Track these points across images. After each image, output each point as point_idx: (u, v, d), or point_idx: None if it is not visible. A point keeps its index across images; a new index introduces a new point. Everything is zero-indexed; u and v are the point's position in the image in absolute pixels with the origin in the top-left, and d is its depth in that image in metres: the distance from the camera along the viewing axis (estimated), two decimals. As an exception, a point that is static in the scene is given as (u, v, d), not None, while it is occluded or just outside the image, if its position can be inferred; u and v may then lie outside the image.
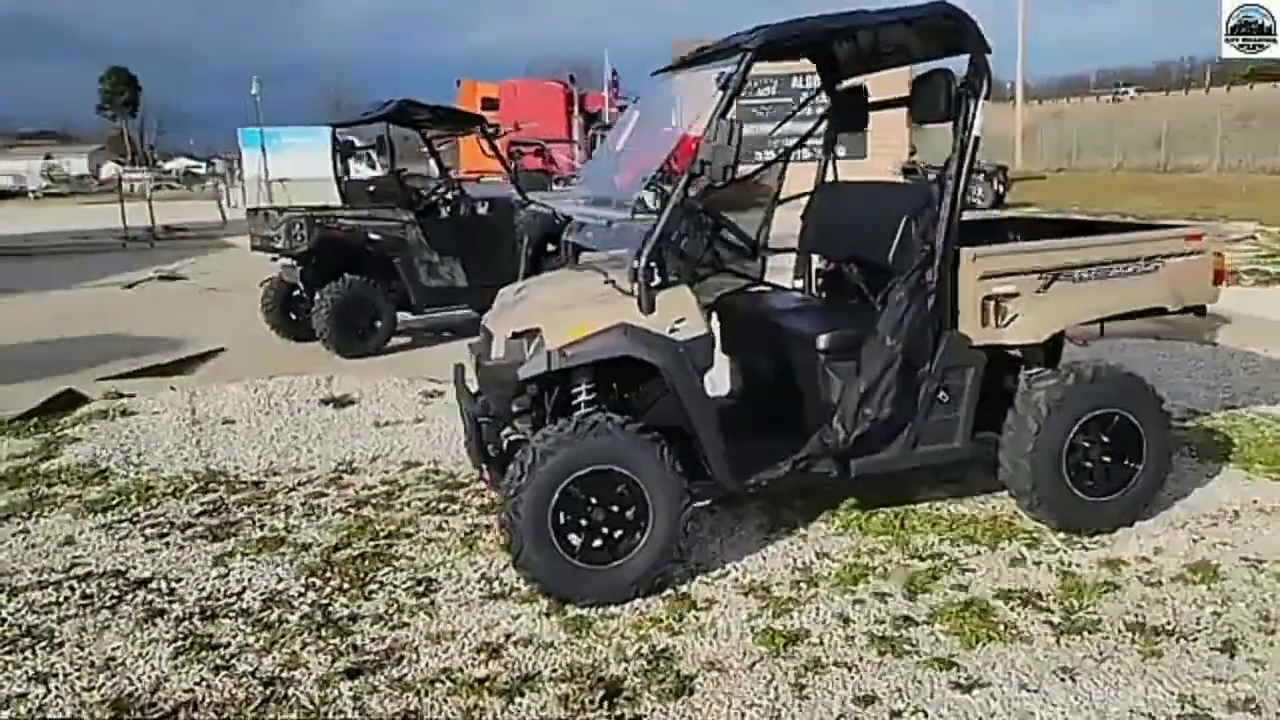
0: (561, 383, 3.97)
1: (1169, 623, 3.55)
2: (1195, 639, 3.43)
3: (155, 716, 3.15)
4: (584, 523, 3.71)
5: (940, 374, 4.06)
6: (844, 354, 4.06)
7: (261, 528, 4.69)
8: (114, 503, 5.05)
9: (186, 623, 3.76)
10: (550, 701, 3.17)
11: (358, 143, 10.41)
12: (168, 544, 4.53)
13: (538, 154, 23.05)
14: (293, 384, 6.99)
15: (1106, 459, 4.24)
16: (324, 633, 3.65)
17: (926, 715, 3.05)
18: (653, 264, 3.75)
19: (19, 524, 4.84)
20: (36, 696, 3.29)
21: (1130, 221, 5.40)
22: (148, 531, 4.68)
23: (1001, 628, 3.53)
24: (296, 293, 9.20)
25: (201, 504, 5.03)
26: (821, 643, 3.49)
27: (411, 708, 3.15)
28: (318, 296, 8.49)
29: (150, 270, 15.14)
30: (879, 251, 4.09)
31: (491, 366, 3.97)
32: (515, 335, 3.90)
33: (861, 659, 3.37)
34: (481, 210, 9.73)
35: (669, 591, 3.86)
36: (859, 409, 3.97)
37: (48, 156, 73.02)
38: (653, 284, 3.75)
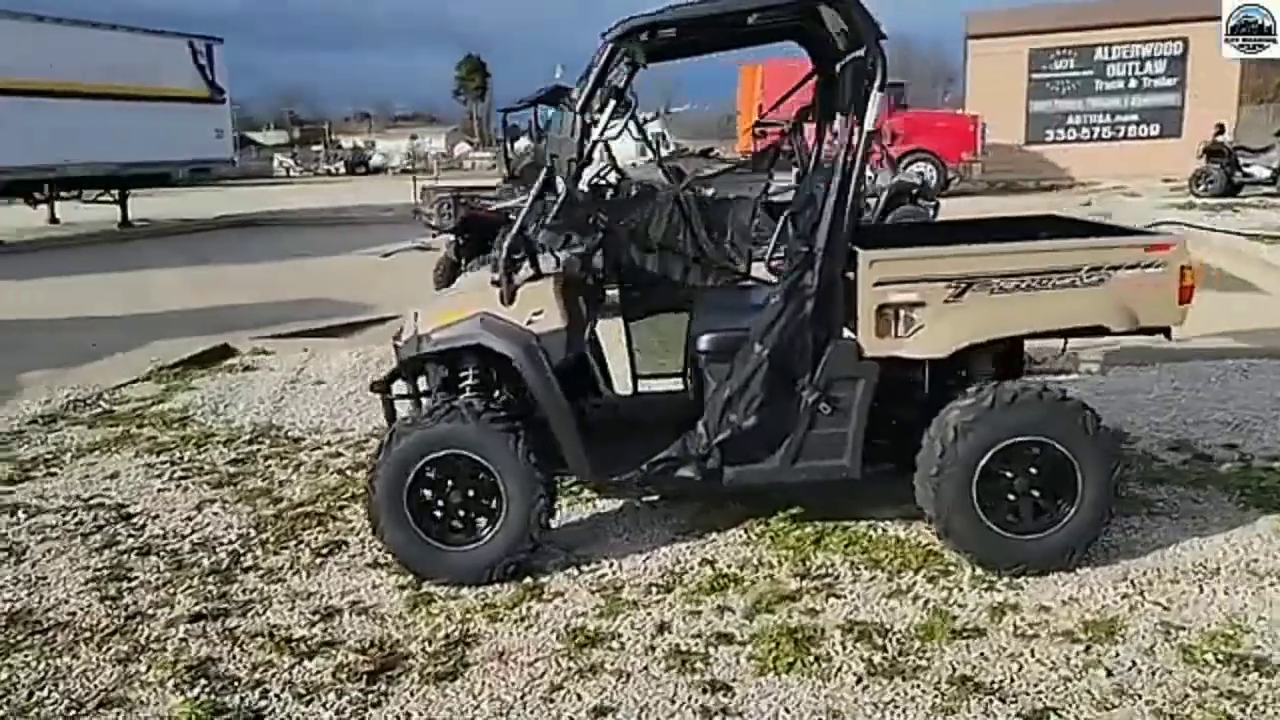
0: (452, 366, 4.11)
1: (998, 681, 3.16)
2: (1010, 702, 3.05)
3: (33, 630, 3.68)
4: (441, 504, 3.86)
5: (824, 385, 3.80)
6: (725, 356, 3.90)
7: (262, 479, 5.22)
8: (171, 446, 5.80)
9: (124, 555, 4.32)
10: (328, 667, 3.37)
11: (521, 125, 10.90)
12: (178, 485, 5.16)
13: (783, 134, 22.64)
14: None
15: (1032, 492, 3.79)
16: (213, 579, 4.06)
17: (646, 735, 2.96)
18: (516, 256, 3.81)
19: (93, 457, 5.69)
20: (-29, 601, 3.94)
21: (1102, 224, 4.64)
22: (175, 473, 5.35)
23: (811, 660, 3.30)
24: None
25: (237, 454, 5.65)
26: (621, 648, 3.43)
27: (211, 655, 3.47)
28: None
29: (412, 241, 16.49)
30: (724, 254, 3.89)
31: (399, 346, 4.19)
32: (415, 317, 4.10)
33: (643, 670, 3.29)
34: (634, 192, 9.90)
35: (527, 580, 3.92)
36: (722, 415, 3.81)
37: (413, 137, 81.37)
38: (514, 276, 3.81)
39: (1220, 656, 3.24)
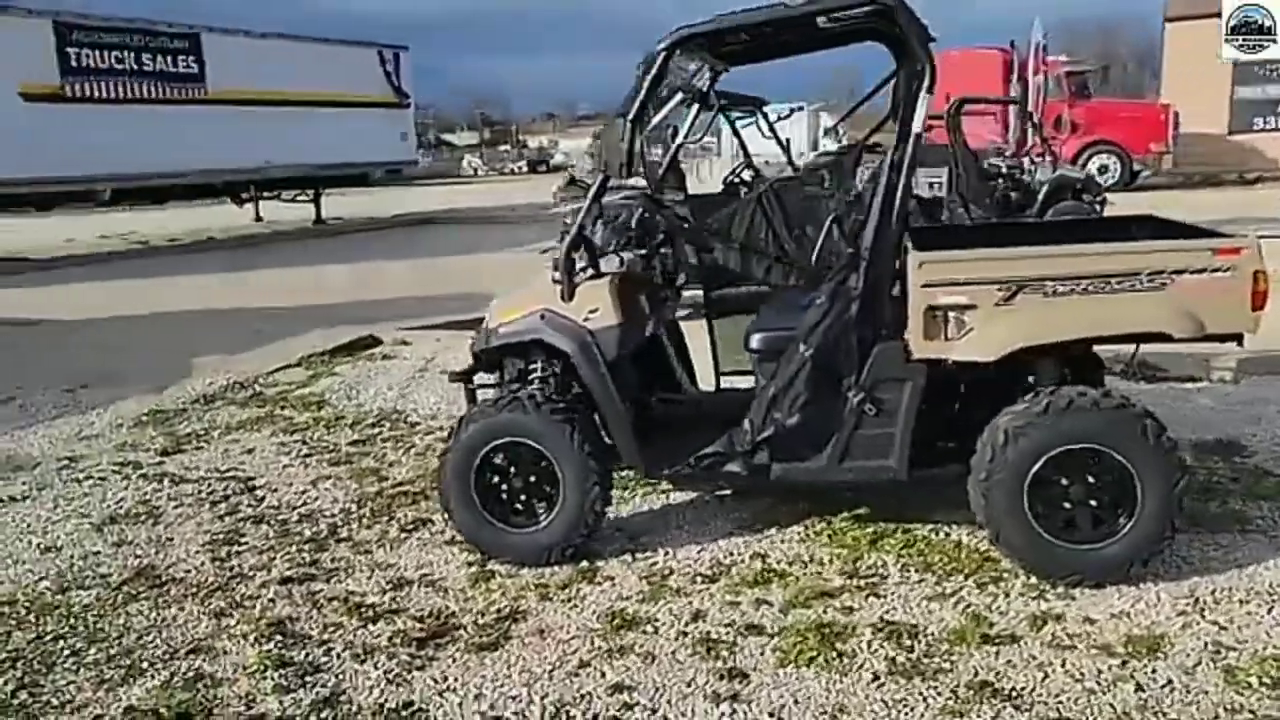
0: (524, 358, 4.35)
1: (1018, 689, 3.13)
2: (1024, 710, 3.03)
3: (152, 584, 4.17)
4: (505, 489, 4.12)
5: (870, 386, 3.82)
6: (774, 355, 3.98)
7: (374, 459, 5.65)
8: (304, 427, 6.33)
9: (241, 523, 4.79)
10: (387, 632, 3.68)
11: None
12: (301, 462, 5.65)
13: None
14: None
15: (1089, 502, 3.71)
16: (309, 547, 4.47)
17: (654, 713, 3.11)
18: (574, 255, 4.02)
19: (237, 434, 6.29)
20: (109, 550, 4.48)
21: (1178, 223, 4.34)
22: (302, 451, 5.86)
23: (834, 655, 3.36)
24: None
25: (359, 435, 6.12)
26: (655, 632, 3.59)
27: (291, 614, 3.85)
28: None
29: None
30: (806, 254, 3.95)
31: (476, 338, 4.48)
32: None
33: (670, 654, 3.44)
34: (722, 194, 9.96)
35: (584, 563, 4.13)
36: (767, 413, 3.90)
37: (595, 136, 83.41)
38: (574, 274, 4.02)
39: (1266, 680, 3.11)
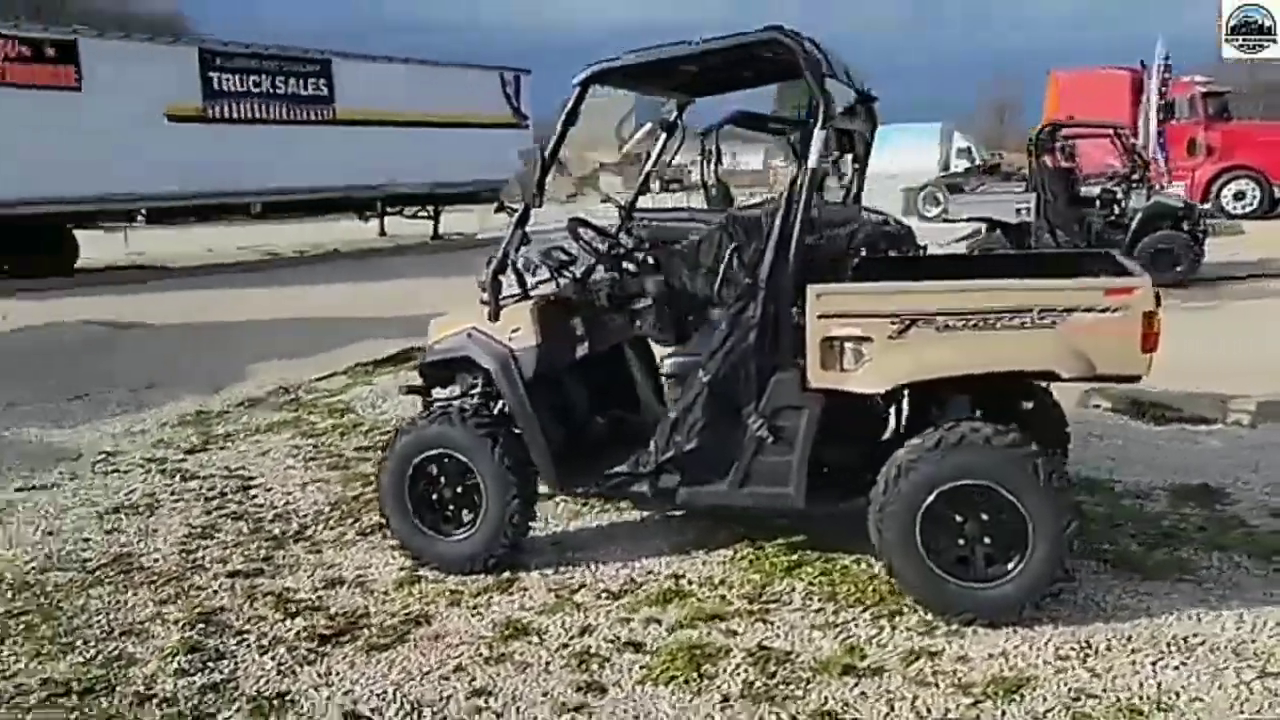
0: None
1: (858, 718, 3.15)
2: (847, 741, 3.04)
3: (122, 570, 4.55)
4: (435, 498, 4.34)
5: (769, 414, 3.87)
6: (684, 380, 4.06)
7: (372, 465, 5.93)
8: (322, 433, 6.71)
9: (222, 518, 5.15)
10: (299, 627, 3.93)
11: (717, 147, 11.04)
12: (304, 466, 6.01)
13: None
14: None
15: (983, 539, 3.66)
16: (269, 544, 4.78)
17: (498, 718, 3.25)
18: (500, 278, 4.21)
19: (261, 436, 6.73)
20: (99, 537, 4.90)
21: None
22: (309, 455, 6.22)
23: (696, 676, 3.41)
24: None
25: (369, 441, 6.45)
26: (539, 642, 3.72)
27: (225, 605, 4.14)
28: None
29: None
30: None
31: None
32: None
33: (544, 664, 3.57)
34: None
35: (506, 574, 4.29)
36: (670, 436, 3.99)
37: (733, 155, 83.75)
38: (499, 296, 4.21)
39: (1115, 731, 3.02)
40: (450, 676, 3.51)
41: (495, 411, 4.35)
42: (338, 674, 3.57)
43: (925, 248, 10.25)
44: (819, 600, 3.97)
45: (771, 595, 4.03)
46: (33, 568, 4.61)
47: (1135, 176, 13.23)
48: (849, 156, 4.81)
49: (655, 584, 4.17)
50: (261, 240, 24.55)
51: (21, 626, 4.01)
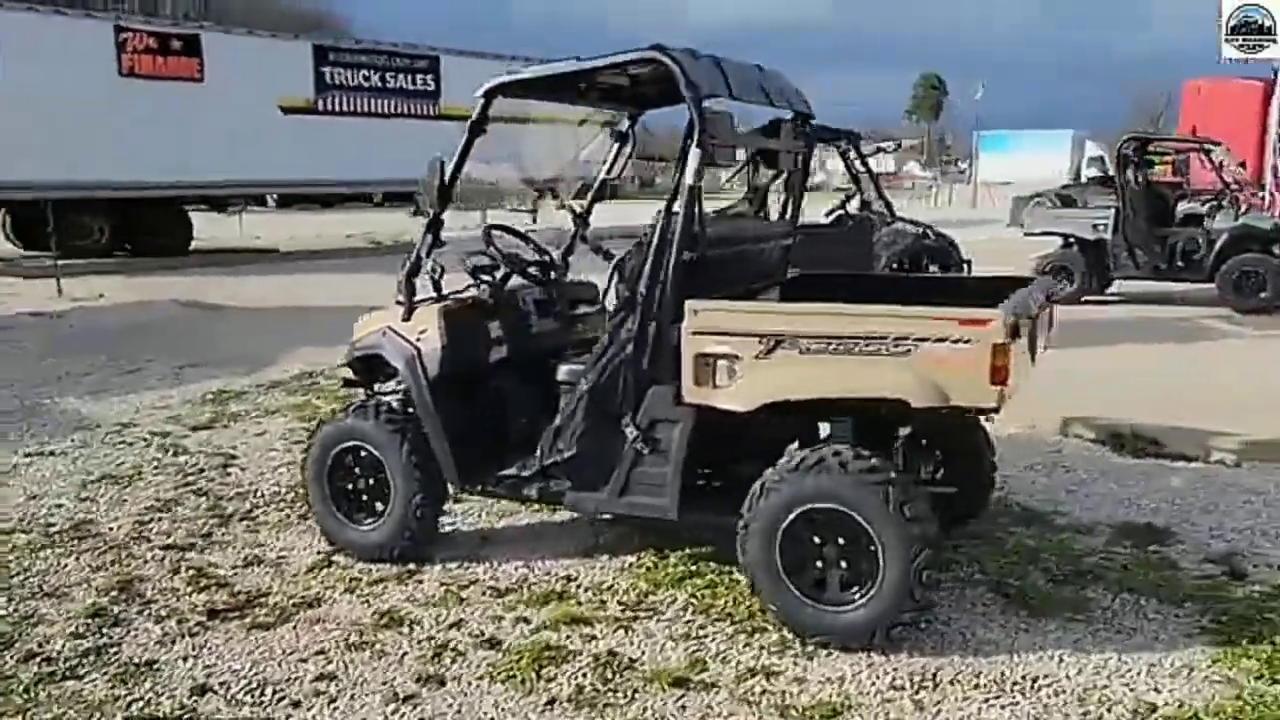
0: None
1: None
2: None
3: (78, 535, 4.91)
4: (350, 488, 4.54)
5: (645, 425, 3.92)
6: (572, 388, 4.14)
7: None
8: (319, 415, 7.01)
9: (187, 493, 5.48)
10: (202, 601, 4.17)
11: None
12: (288, 448, 6.31)
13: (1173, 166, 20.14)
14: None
15: (839, 563, 3.65)
16: (215, 520, 5.08)
17: (332, 702, 3.41)
18: (414, 280, 4.37)
19: (266, 417, 7.09)
20: (74, 504, 5.29)
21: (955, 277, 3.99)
22: (298, 436, 6.51)
23: (534, 677, 3.50)
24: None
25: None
26: (409, 633, 3.87)
27: (145, 575, 4.43)
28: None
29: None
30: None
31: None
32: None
33: (402, 654, 3.71)
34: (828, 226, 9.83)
35: (411, 565, 4.46)
36: (552, 441, 4.08)
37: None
38: (413, 297, 4.37)
39: (910, 767, 2.99)
40: (308, 660, 3.69)
41: (409, 409, 4.51)
42: (210, 648, 3.78)
43: (969, 262, 10.04)
44: (692, 612, 4.00)
45: (650, 604, 4.08)
46: (3, 528, 5.00)
47: (1225, 196, 12.56)
48: (778, 173, 4.76)
49: (545, 585, 4.27)
50: (370, 228, 25.47)
51: (-34, 582, 4.38)
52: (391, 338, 4.40)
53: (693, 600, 4.10)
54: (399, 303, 4.41)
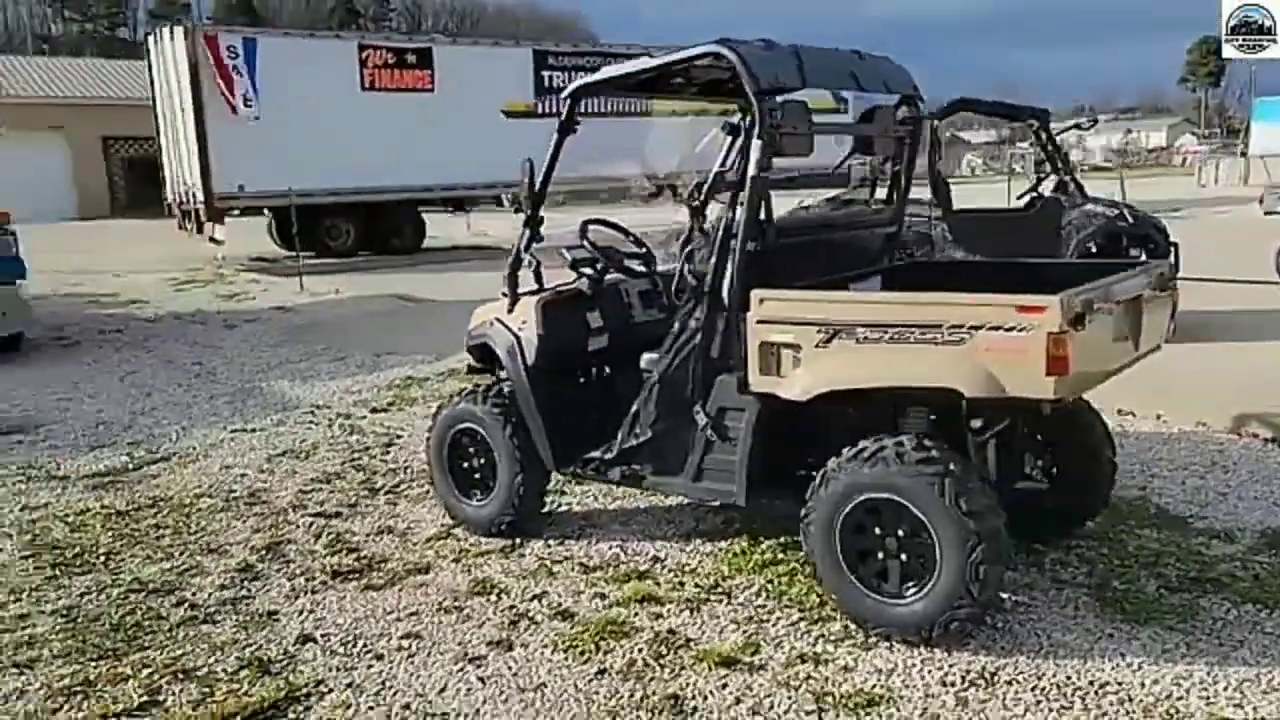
0: None
1: (695, 707, 3.30)
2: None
3: (252, 500, 5.55)
4: (465, 465, 4.89)
5: (714, 413, 4.00)
6: None
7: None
8: (406, 410, 7.45)
9: (349, 469, 6.03)
10: (331, 563, 4.64)
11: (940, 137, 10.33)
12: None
13: None
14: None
15: (899, 555, 3.61)
16: (364, 493, 5.58)
17: (410, 658, 3.74)
18: (517, 273, 4.65)
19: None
20: (256, 474, 5.97)
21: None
22: (370, 431, 6.95)
23: (592, 649, 3.68)
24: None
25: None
26: (496, 601, 4.15)
27: (291, 539, 4.96)
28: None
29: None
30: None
31: None
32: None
33: (484, 619, 4.00)
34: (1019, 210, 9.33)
35: (517, 540, 4.75)
36: (630, 428, 4.23)
37: (1127, 131, 76.62)
38: (516, 288, 4.66)
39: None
40: (402, 619, 4.05)
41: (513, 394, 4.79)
42: (324, 604, 4.22)
43: (1176, 245, 9.33)
44: (764, 598, 4.06)
45: (726, 588, 4.17)
46: (196, 494, 5.72)
47: None
48: (882, 160, 4.68)
49: (632, 564, 4.45)
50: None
51: (153, 537, 5.07)
52: (497, 328, 4.70)
53: (767, 586, 4.15)
54: (503, 294, 4.70)
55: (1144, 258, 9.51)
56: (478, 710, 3.35)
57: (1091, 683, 3.34)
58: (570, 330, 4.68)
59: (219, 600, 4.28)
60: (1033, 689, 3.32)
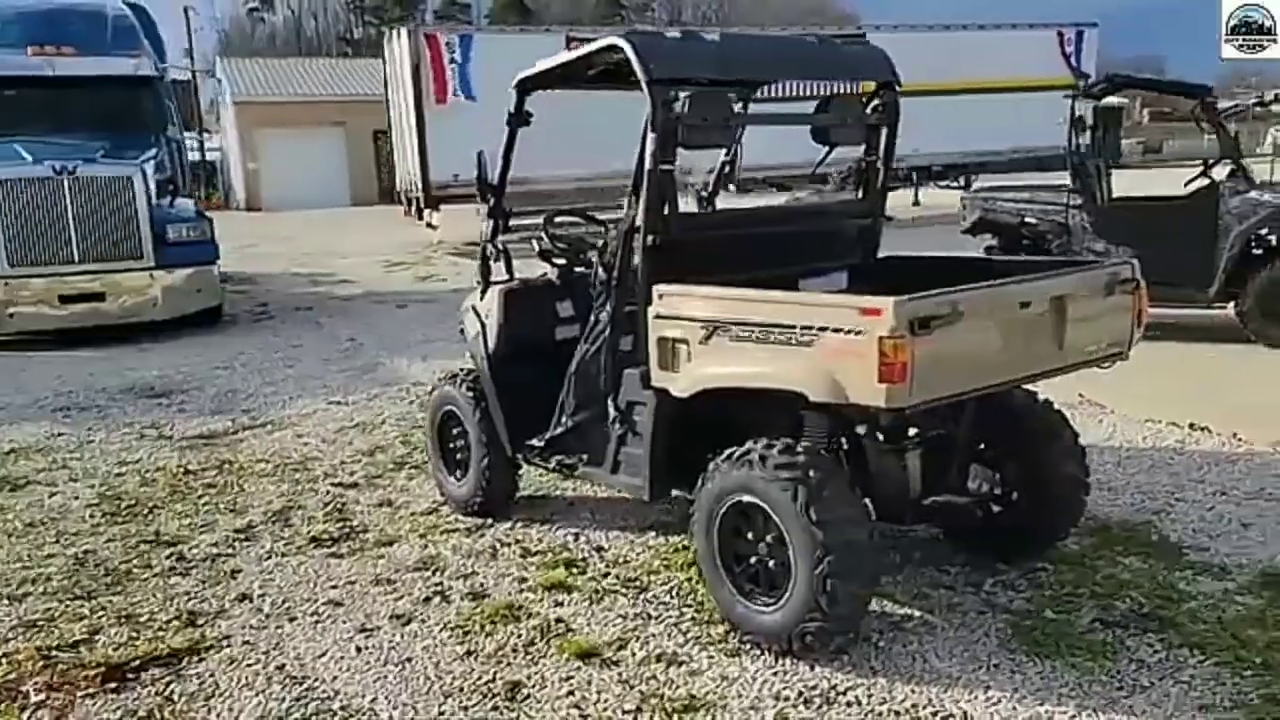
0: None
1: (529, 694, 3.36)
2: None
3: (298, 467, 6.05)
4: (450, 446, 5.12)
5: (623, 406, 3.99)
6: None
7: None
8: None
9: (398, 443, 6.42)
10: (318, 529, 5.01)
11: (1088, 118, 9.20)
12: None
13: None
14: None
15: (770, 561, 3.50)
16: (393, 467, 5.93)
17: (334, 622, 4.01)
18: (488, 262, 4.80)
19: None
20: (329, 441, 6.48)
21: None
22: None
23: (480, 627, 3.84)
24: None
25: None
26: (432, 575, 4.36)
27: (302, 504, 5.38)
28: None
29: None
30: None
31: None
32: None
33: (408, 590, 4.22)
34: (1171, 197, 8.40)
35: (489, 521, 4.93)
36: (557, 417, 4.28)
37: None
38: (488, 277, 4.81)
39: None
40: (338, 588, 4.32)
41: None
42: (284, 568, 4.54)
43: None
44: (672, 595, 4.05)
45: (644, 583, 4.18)
46: (258, 458, 6.27)
47: None
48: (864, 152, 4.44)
49: (572, 552, 4.53)
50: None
51: (197, 495, 5.61)
52: (469, 314, 4.87)
53: (684, 584, 4.11)
54: (477, 282, 4.86)
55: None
56: (335, 677, 3.56)
57: (935, 713, 3.11)
58: (535, 319, 4.77)
59: (205, 555, 4.73)
60: (871, 713, 3.14)
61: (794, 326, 3.26)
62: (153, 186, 11.12)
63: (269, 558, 4.67)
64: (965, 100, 23.15)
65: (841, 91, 4.36)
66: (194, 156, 39.95)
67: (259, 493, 5.60)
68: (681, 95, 3.76)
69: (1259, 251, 8.02)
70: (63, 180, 10.44)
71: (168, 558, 4.71)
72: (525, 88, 4.46)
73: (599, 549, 4.54)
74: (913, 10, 39.78)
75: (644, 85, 3.70)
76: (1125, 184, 8.58)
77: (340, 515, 5.18)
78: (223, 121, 41.57)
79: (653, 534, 4.65)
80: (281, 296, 14.20)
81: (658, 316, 3.77)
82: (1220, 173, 8.79)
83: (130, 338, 10.57)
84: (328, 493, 5.55)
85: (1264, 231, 8.01)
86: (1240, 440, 5.47)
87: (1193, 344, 8.25)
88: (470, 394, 4.85)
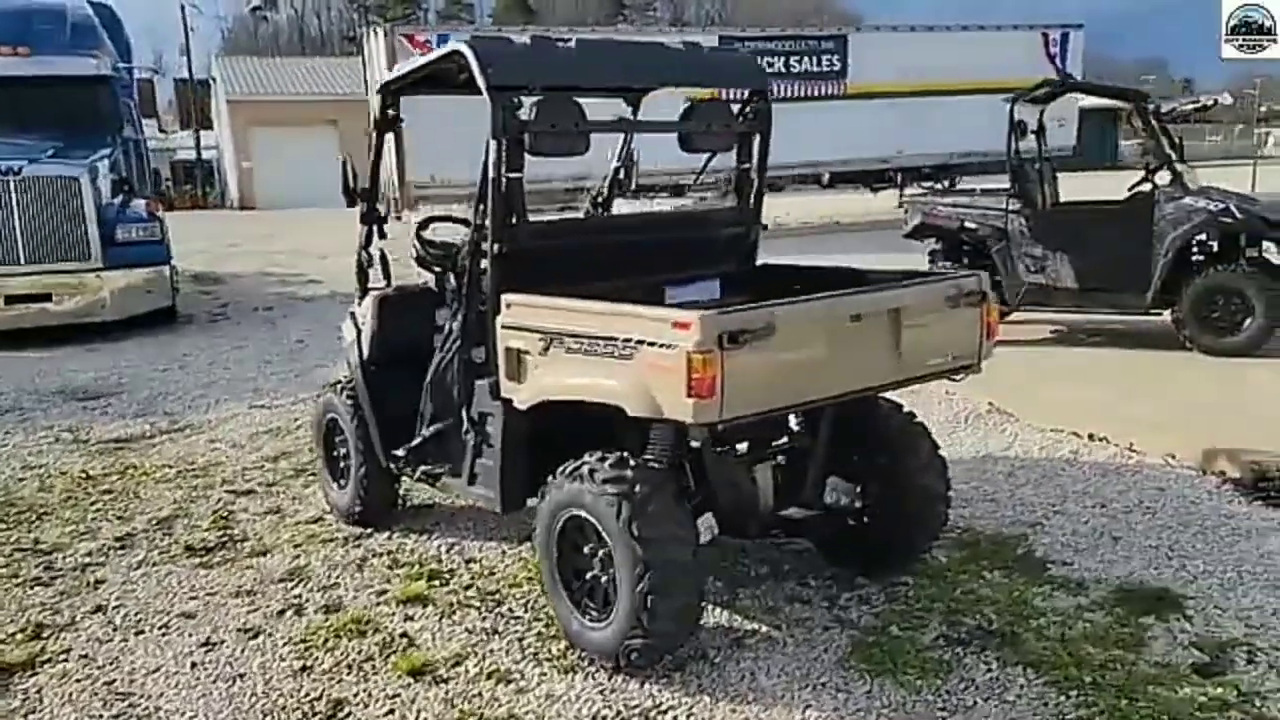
0: None
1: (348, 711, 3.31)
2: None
3: (199, 474, 6.00)
4: (335, 455, 5.05)
5: (475, 417, 3.93)
6: None
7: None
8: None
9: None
10: (199, 539, 4.95)
11: (1029, 122, 9.07)
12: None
13: None
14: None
15: (602, 577, 3.44)
16: (301, 475, 5.89)
17: (188, 618, 3.96)
18: (365, 269, 4.74)
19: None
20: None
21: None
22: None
23: (336, 638, 3.80)
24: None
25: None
26: (292, 589, 4.30)
27: (186, 508, 5.32)
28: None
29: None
30: None
31: None
32: None
33: (274, 596, 4.17)
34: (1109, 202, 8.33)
35: (365, 530, 4.87)
36: (419, 426, 4.22)
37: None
38: (366, 283, 4.75)
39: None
40: (197, 599, 4.26)
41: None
42: (149, 578, 4.46)
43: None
44: (526, 609, 3.99)
45: (502, 596, 4.13)
46: (163, 463, 6.21)
47: None
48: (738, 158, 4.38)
49: (442, 563, 4.48)
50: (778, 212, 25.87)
51: (90, 501, 5.53)
52: (348, 321, 4.82)
53: (542, 598, 4.03)
54: (356, 290, 4.81)
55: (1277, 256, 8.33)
56: (161, 694, 3.51)
57: (751, 729, 3.05)
58: (410, 327, 4.70)
59: (75, 565, 4.67)
60: (676, 727, 3.07)
61: (616, 339, 3.20)
62: (105, 187, 11.06)
63: (138, 568, 4.62)
64: (950, 101, 23.08)
65: (706, 98, 4.28)
66: (190, 156, 40.20)
67: (152, 499, 5.54)
68: (527, 101, 3.69)
69: (1199, 257, 7.94)
70: (8, 181, 10.37)
71: (37, 566, 4.65)
72: (389, 91, 4.40)
73: (470, 560, 4.48)
74: (913, 10, 39.77)
75: (484, 91, 3.64)
76: (1123, 184, 8.50)
77: (224, 523, 5.12)
78: (217, 120, 41.60)
79: (528, 545, 4.58)
80: (245, 297, 14.11)
81: (504, 326, 3.71)
82: (1164, 177, 8.69)
83: (79, 338, 10.52)
84: (219, 500, 5.49)
85: (1200, 238, 7.93)
86: (1135, 451, 5.39)
87: (1130, 350, 8.18)
88: (350, 402, 4.79)
